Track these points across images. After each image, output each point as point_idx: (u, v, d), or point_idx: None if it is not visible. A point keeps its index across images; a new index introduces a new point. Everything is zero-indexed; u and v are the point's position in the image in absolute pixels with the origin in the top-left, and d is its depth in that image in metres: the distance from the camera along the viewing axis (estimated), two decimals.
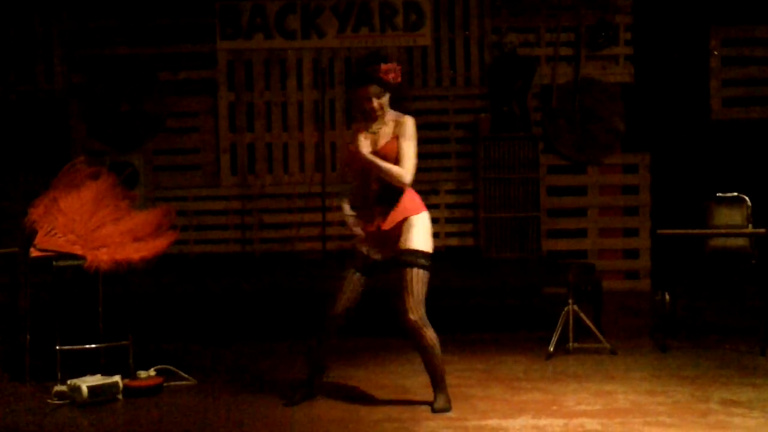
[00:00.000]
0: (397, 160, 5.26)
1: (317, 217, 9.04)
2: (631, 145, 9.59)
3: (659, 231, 7.22)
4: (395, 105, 5.43)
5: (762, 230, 6.91)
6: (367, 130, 5.37)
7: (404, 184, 5.26)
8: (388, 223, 5.26)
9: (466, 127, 9.38)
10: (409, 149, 5.25)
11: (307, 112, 9.57)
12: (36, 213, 6.07)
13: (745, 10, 9.53)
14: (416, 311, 5.20)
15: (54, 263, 5.93)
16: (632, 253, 9.61)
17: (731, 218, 7.41)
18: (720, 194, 7.56)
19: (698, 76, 9.59)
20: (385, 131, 5.32)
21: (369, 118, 5.37)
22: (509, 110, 9.27)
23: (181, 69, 9.53)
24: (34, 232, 6.01)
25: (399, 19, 9.51)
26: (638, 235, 9.59)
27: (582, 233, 9.63)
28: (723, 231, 7.34)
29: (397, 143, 5.26)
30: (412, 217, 5.26)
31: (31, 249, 5.97)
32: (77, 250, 5.96)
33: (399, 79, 5.34)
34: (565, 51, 9.61)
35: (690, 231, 7.27)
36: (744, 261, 7.27)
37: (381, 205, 5.29)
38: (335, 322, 5.34)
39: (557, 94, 9.56)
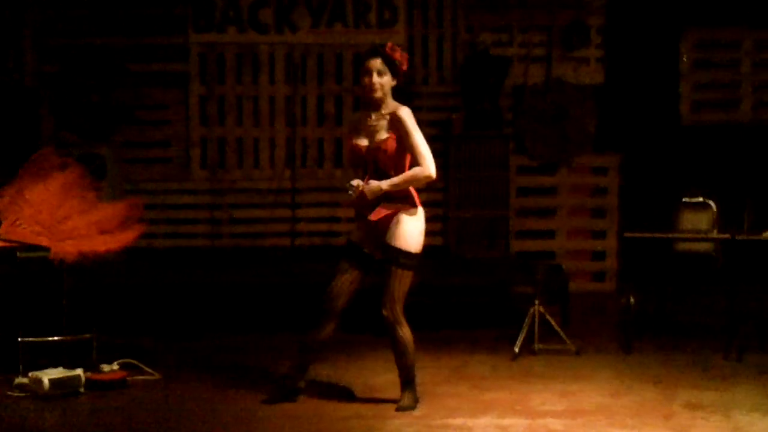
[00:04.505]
0: (394, 158, 5.19)
1: (287, 212, 9.02)
2: (602, 146, 9.63)
3: (626, 233, 7.26)
4: (399, 100, 5.29)
5: (726, 235, 6.98)
6: (367, 122, 5.26)
7: (432, 178, 5.19)
8: (376, 215, 5.21)
9: (438, 125, 9.37)
10: (418, 142, 5.17)
11: (279, 107, 9.53)
12: (1, 203, 6.00)
13: (716, 13, 9.58)
14: (390, 308, 5.20)
15: (18, 254, 5.87)
16: (600, 255, 9.66)
17: (697, 223, 7.47)
18: (686, 199, 7.62)
19: (669, 78, 9.64)
20: (383, 125, 5.22)
21: (370, 107, 5.27)
22: (481, 109, 9.29)
23: (152, 60, 9.45)
24: None
25: (372, 16, 9.50)
26: (606, 236, 9.64)
27: (551, 234, 9.66)
28: (689, 235, 7.39)
29: (396, 142, 5.17)
30: (401, 213, 5.21)
31: None
32: (43, 241, 5.90)
33: (405, 66, 5.24)
34: (537, 51, 9.63)
35: (656, 234, 7.32)
36: (709, 265, 7.34)
37: (376, 199, 5.22)
38: (331, 318, 5.31)
39: (529, 94, 9.58)
